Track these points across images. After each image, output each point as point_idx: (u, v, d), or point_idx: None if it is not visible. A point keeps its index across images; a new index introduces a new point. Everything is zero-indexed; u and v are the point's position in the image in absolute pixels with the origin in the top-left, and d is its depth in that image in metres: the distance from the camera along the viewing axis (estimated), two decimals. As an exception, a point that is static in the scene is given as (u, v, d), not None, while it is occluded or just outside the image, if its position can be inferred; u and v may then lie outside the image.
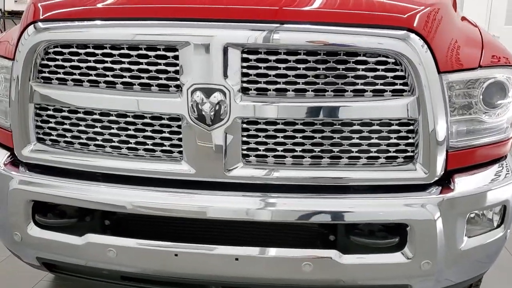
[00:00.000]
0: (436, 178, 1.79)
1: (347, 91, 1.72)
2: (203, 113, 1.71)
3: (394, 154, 1.79)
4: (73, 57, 1.81)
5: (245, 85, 1.72)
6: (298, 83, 1.72)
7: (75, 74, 1.83)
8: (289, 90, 1.72)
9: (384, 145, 1.78)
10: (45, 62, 1.85)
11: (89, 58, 1.79)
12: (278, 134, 1.76)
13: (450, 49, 1.79)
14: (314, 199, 1.77)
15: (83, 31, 1.78)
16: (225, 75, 1.69)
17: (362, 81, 1.72)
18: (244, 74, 1.71)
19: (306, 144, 1.77)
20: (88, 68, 1.81)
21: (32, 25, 1.83)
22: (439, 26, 1.78)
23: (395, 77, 1.72)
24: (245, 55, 1.69)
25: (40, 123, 1.92)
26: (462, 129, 1.82)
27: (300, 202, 1.76)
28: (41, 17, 1.83)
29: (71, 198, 1.87)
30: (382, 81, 1.72)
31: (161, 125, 1.80)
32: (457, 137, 1.82)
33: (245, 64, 1.70)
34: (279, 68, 1.71)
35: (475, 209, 1.85)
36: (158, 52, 1.74)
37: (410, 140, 1.77)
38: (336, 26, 1.68)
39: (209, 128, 1.73)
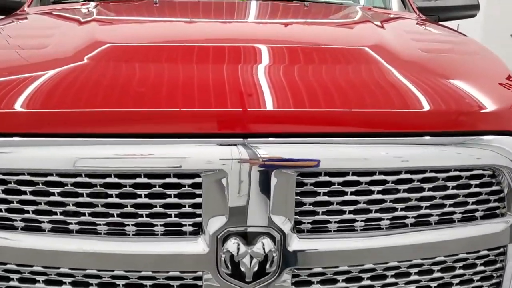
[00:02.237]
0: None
1: (433, 215, 1.26)
2: (242, 268, 1.15)
3: (479, 283, 1.37)
4: (24, 188, 1.15)
5: (299, 217, 1.18)
6: (371, 211, 1.22)
7: (28, 211, 1.16)
8: (357, 221, 1.22)
9: (469, 274, 1.35)
10: (-25, 194, 1.16)
11: (53, 190, 1.14)
12: (338, 277, 1.25)
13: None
14: None
15: (41, 152, 1.12)
16: (275, 211, 1.15)
17: (451, 201, 1.26)
18: (298, 204, 1.18)
19: (376, 287, 1.28)
20: (50, 204, 1.16)
21: None
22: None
23: (490, 193, 1.29)
24: (300, 178, 1.16)
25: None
26: None
27: None
28: None
29: None
30: (474, 199, 1.28)
31: (168, 278, 1.21)
32: None
33: (298, 190, 1.17)
34: (346, 193, 1.19)
35: None
36: (168, 180, 1.14)
37: (498, 265, 1.36)
38: (421, 136, 1.21)
39: (248, 286, 1.18)
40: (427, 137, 1.21)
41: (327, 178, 1.17)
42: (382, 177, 1.19)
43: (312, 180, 1.17)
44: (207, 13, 1.99)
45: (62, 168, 1.10)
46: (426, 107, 1.25)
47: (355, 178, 1.18)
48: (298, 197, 1.17)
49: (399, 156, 1.18)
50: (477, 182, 1.27)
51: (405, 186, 1.21)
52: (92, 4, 2.09)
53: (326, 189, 1.18)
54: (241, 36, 1.60)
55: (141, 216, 1.16)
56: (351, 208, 1.21)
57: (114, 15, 1.96)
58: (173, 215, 1.16)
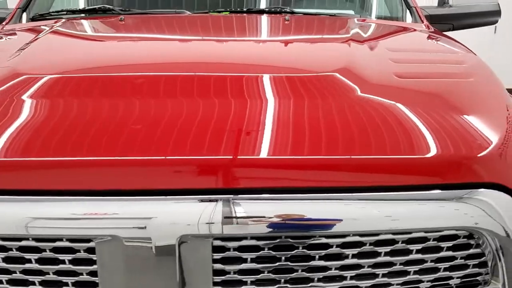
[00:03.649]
0: None
1: (393, 285, 1.03)
2: None
3: None
4: None
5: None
6: (312, 280, 1.00)
7: None
8: (297, 292, 1.00)
9: None
10: None
11: None
12: None
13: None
14: None
15: None
16: (185, 284, 0.94)
17: (416, 268, 1.02)
18: (216, 272, 0.97)
19: None
20: None
21: None
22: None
23: (467, 257, 1.04)
24: (218, 243, 0.95)
25: None
26: None
27: None
28: None
29: None
30: (446, 265, 1.04)
31: None
32: None
33: (218, 257, 0.96)
34: (279, 259, 0.97)
35: None
36: (59, 244, 0.95)
37: None
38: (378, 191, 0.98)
39: None
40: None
41: (253, 242, 0.95)
42: (331, 240, 0.97)
43: (236, 244, 0.95)
44: (171, 30, 1.80)
45: None
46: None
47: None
48: (220, 265, 0.96)
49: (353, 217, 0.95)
50: (449, 244, 1.02)
51: (354, 250, 0.98)
52: (60, 22, 1.93)
53: (253, 255, 0.96)
54: (207, 61, 1.40)
55: (33, 284, 0.98)
56: (289, 276, 0.99)
57: (70, 34, 1.79)
58: (70, 283, 0.97)
